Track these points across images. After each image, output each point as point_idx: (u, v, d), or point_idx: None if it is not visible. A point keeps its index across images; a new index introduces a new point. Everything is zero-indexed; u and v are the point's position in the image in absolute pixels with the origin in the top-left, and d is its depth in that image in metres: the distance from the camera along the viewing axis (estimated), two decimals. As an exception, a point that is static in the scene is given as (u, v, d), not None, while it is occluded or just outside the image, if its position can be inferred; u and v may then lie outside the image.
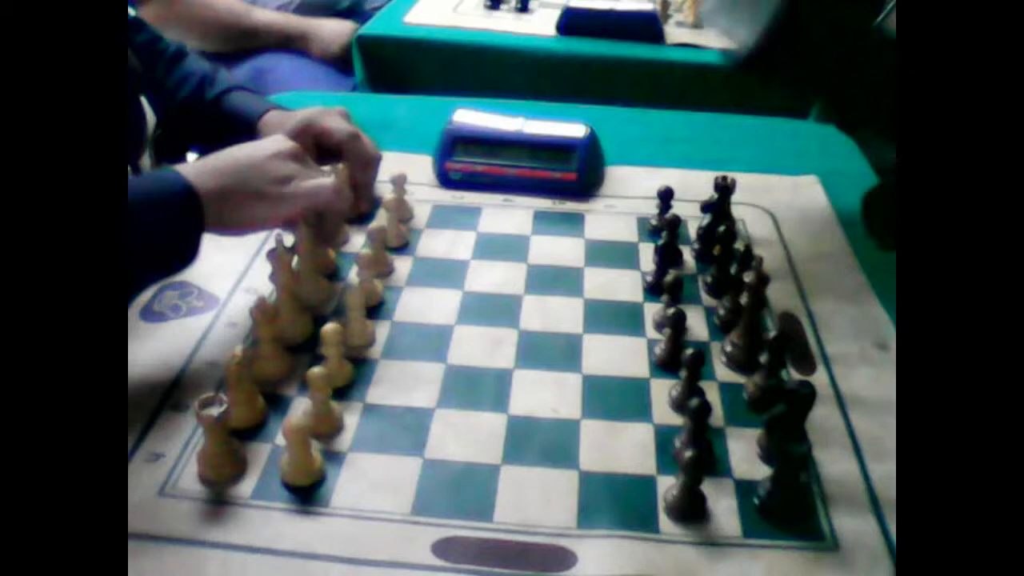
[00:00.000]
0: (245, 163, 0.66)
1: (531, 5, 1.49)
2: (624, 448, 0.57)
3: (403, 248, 0.79)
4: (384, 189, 0.84)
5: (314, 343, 0.66)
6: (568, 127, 0.90)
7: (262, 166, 0.66)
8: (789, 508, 0.53)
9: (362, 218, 0.83)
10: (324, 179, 0.68)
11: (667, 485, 0.54)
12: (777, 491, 0.53)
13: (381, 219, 0.80)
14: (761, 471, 0.55)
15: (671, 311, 0.64)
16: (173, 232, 0.61)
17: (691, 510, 0.52)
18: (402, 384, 0.62)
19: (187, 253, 0.63)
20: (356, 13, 1.65)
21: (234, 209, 0.64)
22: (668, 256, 0.75)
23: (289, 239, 0.69)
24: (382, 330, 0.67)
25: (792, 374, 0.64)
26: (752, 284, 0.64)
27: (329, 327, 0.60)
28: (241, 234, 0.68)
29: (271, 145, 0.68)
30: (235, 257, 0.76)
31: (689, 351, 0.59)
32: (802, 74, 0.74)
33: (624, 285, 0.74)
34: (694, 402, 0.54)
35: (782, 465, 0.52)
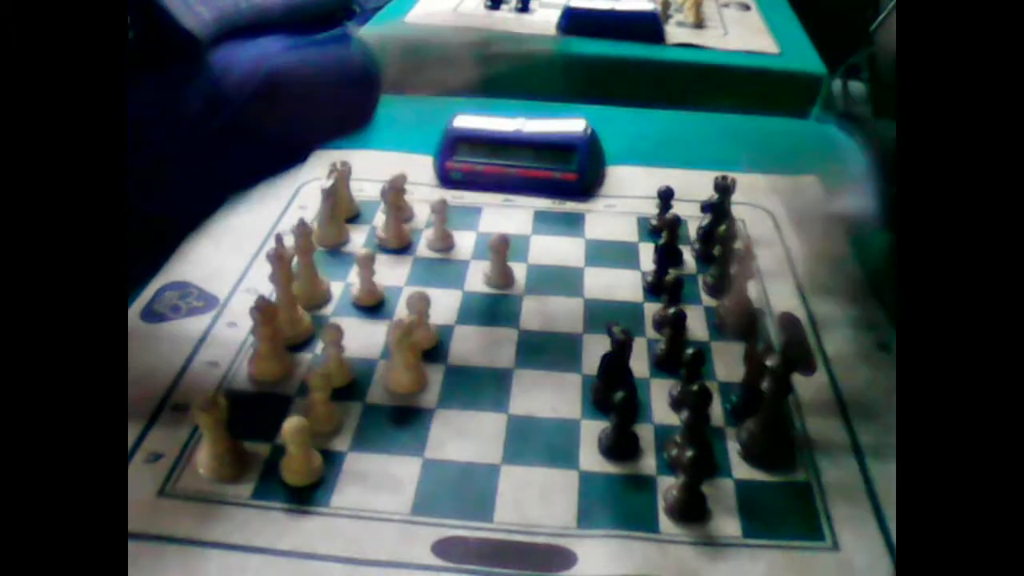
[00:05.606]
0: None
1: (531, 5, 1.49)
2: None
3: (403, 248, 0.79)
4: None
5: (314, 343, 0.66)
6: (568, 124, 0.90)
7: None
8: (773, 450, 0.52)
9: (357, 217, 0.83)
10: None
11: (667, 485, 0.54)
12: (760, 433, 0.52)
13: (381, 219, 0.80)
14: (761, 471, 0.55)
15: (671, 311, 0.64)
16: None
17: (691, 510, 0.52)
18: (402, 384, 0.62)
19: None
20: (357, 13, 1.65)
21: None
22: (668, 256, 0.75)
23: (289, 239, 0.69)
24: (382, 330, 0.67)
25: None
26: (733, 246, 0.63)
27: (328, 328, 0.60)
28: None
29: None
30: (235, 257, 0.76)
31: (689, 351, 0.59)
32: None
33: (624, 285, 0.74)
34: (695, 386, 0.54)
35: (766, 407, 0.52)
